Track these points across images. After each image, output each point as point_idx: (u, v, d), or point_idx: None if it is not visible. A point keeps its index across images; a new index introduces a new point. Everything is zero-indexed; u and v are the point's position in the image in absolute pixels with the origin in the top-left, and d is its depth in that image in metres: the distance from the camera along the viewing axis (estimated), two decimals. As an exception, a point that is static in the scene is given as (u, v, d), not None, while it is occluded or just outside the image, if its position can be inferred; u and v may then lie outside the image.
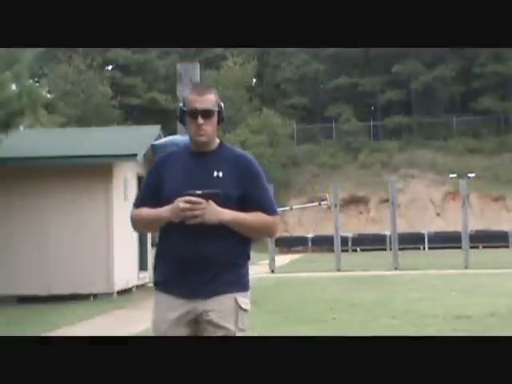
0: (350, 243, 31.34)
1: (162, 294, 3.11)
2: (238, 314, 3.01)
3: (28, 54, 13.64)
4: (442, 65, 44.03)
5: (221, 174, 3.10)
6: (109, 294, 12.76)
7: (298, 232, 36.67)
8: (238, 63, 41.90)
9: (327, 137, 44.28)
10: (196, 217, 2.97)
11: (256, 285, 15.49)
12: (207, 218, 2.97)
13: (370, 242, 32.38)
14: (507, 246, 30.68)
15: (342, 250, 20.99)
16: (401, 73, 44.25)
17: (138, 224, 3.24)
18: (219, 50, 43.87)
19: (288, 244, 33.73)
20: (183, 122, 3.21)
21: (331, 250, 22.07)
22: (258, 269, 21.12)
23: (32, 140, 14.49)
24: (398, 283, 14.54)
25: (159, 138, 13.25)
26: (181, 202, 2.96)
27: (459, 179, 23.82)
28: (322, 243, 31.41)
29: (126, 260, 13.70)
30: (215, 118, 3.15)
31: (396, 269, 18.67)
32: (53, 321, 9.81)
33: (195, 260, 3.02)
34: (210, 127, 3.12)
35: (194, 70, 4.85)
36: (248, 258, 3.18)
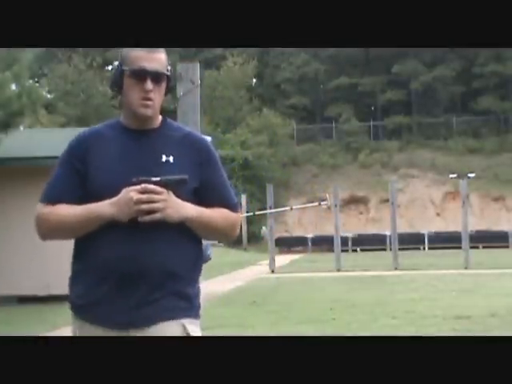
0: (349, 243, 31.35)
1: (84, 324, 2.35)
2: None
3: (28, 54, 13.63)
4: (442, 65, 44.09)
5: (171, 159, 2.33)
6: (109, 294, 12.76)
7: (297, 232, 36.72)
8: (238, 63, 41.96)
9: (327, 137, 44.36)
10: (154, 212, 2.19)
11: (256, 285, 15.56)
12: (168, 213, 2.22)
13: (370, 242, 32.40)
14: (507, 246, 30.70)
15: (342, 250, 21.01)
16: (401, 73, 44.32)
17: (56, 227, 2.31)
18: (219, 50, 43.90)
19: (288, 244, 33.77)
20: (117, 88, 2.39)
21: (331, 250, 22.09)
22: (258, 269, 21.15)
23: (32, 140, 14.49)
24: (398, 283, 14.54)
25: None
26: (133, 192, 2.19)
27: (459, 179, 23.83)
28: (322, 243, 31.44)
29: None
30: (164, 86, 2.42)
31: (396, 269, 18.68)
32: (52, 321, 9.81)
33: (140, 275, 2.24)
34: (158, 96, 2.39)
35: (194, 70, 4.85)
36: (201, 270, 2.47)
